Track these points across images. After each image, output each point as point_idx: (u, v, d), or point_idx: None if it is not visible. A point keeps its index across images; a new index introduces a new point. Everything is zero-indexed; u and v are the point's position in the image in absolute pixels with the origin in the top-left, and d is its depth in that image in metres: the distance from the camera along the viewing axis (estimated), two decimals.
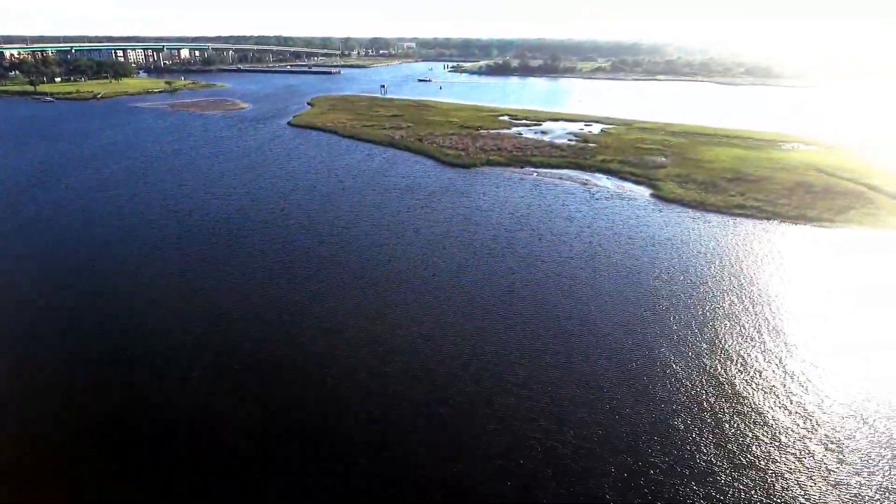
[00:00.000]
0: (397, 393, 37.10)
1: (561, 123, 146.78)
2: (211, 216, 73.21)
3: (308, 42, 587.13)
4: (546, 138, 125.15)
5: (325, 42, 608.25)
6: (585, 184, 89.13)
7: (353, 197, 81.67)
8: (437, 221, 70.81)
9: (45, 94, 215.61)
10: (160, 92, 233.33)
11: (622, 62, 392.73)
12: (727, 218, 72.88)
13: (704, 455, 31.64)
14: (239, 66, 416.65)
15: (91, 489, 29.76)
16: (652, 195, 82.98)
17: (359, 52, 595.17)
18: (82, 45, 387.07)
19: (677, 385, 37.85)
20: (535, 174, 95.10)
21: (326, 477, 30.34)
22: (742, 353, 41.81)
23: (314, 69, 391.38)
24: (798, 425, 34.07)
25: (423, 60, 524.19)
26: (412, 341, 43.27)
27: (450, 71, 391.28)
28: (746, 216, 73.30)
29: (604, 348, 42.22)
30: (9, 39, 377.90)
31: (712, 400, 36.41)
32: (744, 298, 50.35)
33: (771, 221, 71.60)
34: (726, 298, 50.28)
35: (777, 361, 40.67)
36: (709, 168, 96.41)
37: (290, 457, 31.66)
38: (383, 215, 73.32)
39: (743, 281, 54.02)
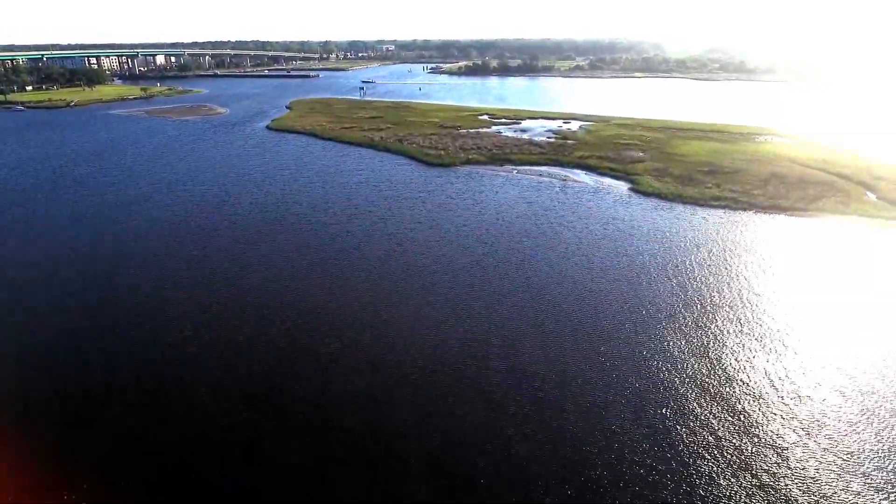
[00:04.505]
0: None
1: (540, 121, 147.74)
2: (188, 215, 72.47)
3: (286, 46, 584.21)
4: (525, 136, 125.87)
5: (304, 46, 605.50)
6: (564, 179, 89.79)
7: (332, 195, 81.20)
8: (411, 210, 70.93)
9: (16, 103, 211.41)
10: (135, 98, 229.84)
11: (600, 60, 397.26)
12: (703, 209, 73.96)
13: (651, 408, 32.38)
14: (216, 71, 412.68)
15: None
16: (630, 189, 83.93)
17: (337, 56, 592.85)
18: (54, 52, 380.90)
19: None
20: (515, 171, 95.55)
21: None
22: (695, 321, 42.71)
23: (292, 73, 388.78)
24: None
25: (403, 62, 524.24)
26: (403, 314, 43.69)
27: (429, 72, 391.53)
28: (722, 207, 74.50)
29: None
30: None
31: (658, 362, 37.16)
32: (715, 281, 51.40)
33: (746, 212, 72.82)
34: (700, 281, 51.29)
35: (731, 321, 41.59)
36: (685, 161, 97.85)
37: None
38: (358, 210, 73.19)
39: (714, 265, 55.01)
